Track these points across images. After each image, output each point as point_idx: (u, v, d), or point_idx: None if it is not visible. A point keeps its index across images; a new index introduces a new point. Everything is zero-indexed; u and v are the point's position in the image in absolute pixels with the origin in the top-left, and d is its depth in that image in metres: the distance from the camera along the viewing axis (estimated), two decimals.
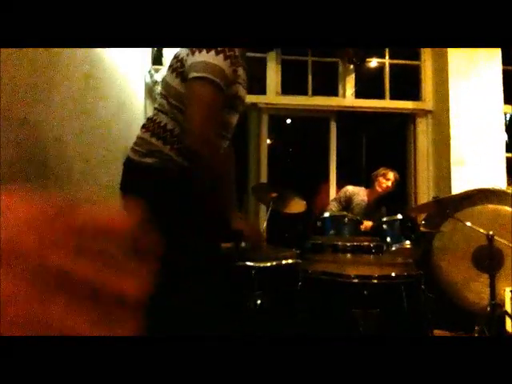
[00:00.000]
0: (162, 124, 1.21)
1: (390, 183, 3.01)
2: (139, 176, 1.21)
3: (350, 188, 3.10)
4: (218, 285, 1.26)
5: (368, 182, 3.14)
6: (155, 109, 1.27)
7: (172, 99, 1.20)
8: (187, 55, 1.15)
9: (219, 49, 1.11)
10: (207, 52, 1.10)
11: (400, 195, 3.62)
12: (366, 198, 3.06)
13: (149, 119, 1.26)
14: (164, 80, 1.27)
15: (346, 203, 3.03)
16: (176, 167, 1.19)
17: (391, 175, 3.01)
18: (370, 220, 2.68)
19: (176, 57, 1.21)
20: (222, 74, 1.11)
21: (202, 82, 1.09)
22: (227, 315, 1.27)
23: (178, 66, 1.18)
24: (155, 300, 1.02)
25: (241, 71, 1.22)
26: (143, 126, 1.27)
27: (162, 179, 1.18)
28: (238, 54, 1.16)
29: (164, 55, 2.54)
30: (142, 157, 1.20)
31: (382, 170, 3.04)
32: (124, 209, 1.05)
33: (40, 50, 1.25)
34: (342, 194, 3.10)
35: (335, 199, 3.13)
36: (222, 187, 1.22)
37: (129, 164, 1.24)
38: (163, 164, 1.19)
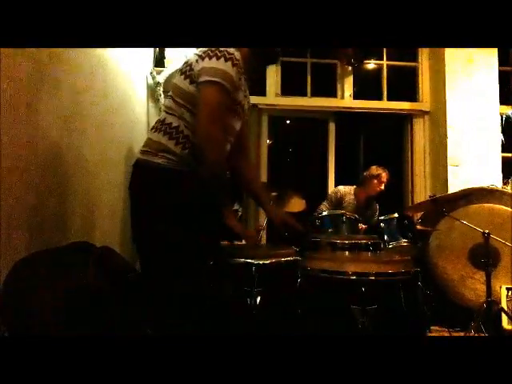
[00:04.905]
0: (173, 125, 1.25)
1: (383, 186, 3.03)
2: (149, 176, 1.23)
3: (341, 188, 3.12)
4: (220, 281, 1.29)
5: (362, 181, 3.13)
6: (163, 111, 1.31)
7: (178, 98, 1.25)
8: (196, 61, 1.22)
9: (228, 56, 1.19)
10: (217, 59, 1.19)
11: (397, 194, 3.66)
12: (356, 197, 3.09)
13: (159, 121, 1.30)
14: (172, 83, 1.32)
15: (337, 203, 3.05)
16: (186, 167, 1.22)
17: (384, 177, 3.01)
18: (361, 217, 2.70)
19: (186, 62, 1.29)
20: (230, 80, 1.20)
21: (213, 85, 1.18)
22: (227, 312, 1.30)
23: (187, 70, 1.25)
24: (156, 288, 1.05)
25: (243, 80, 1.30)
26: (153, 128, 1.30)
27: (172, 179, 1.21)
28: (241, 65, 1.24)
29: (166, 57, 2.57)
30: (152, 157, 1.23)
31: (375, 171, 3.02)
32: (132, 207, 1.10)
33: (42, 50, 1.28)
34: (333, 194, 3.12)
35: (326, 199, 3.15)
36: (219, 186, 1.24)
37: (138, 165, 1.27)
38: (173, 164, 1.22)
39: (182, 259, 1.18)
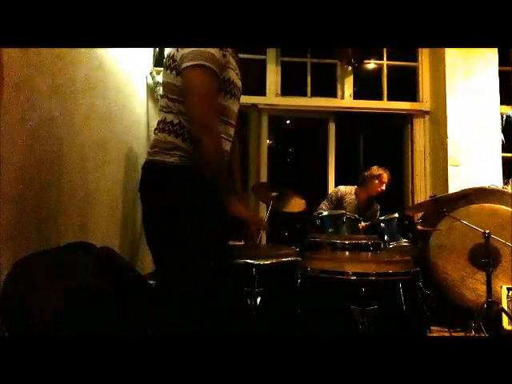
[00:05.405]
0: (174, 122, 1.23)
1: (384, 186, 3.03)
2: (164, 175, 1.21)
3: (341, 188, 3.12)
4: (225, 280, 1.28)
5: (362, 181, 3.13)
6: (161, 110, 1.29)
7: (171, 94, 1.23)
8: (177, 50, 1.20)
9: None
10: None
11: (397, 194, 3.66)
12: (357, 197, 3.09)
13: (160, 122, 1.28)
14: (163, 82, 1.31)
15: (338, 202, 3.05)
16: (195, 163, 1.20)
17: (385, 177, 3.01)
18: (361, 217, 2.70)
19: (168, 56, 1.25)
20: (213, 59, 1.16)
21: (196, 68, 1.14)
22: (228, 312, 1.30)
23: (170, 63, 1.22)
24: (161, 286, 1.04)
25: (230, 57, 1.25)
26: (156, 129, 1.28)
27: (187, 176, 1.19)
28: None
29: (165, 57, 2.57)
30: (164, 156, 1.21)
31: (376, 171, 3.01)
32: (146, 210, 1.10)
33: (42, 50, 1.28)
34: (334, 193, 3.12)
35: (326, 198, 3.15)
36: (221, 175, 1.22)
37: (149, 166, 1.25)
38: (185, 161, 1.20)
39: (205, 256, 1.17)
